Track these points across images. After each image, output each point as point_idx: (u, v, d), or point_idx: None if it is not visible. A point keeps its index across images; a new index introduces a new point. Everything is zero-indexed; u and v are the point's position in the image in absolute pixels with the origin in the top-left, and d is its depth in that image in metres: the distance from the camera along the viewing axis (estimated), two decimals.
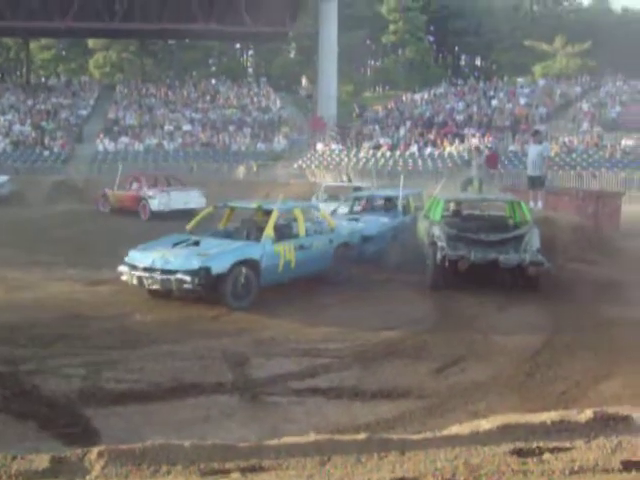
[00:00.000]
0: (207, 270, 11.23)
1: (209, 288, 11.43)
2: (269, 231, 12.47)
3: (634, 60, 53.53)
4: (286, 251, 12.54)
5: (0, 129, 47.63)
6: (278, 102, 56.10)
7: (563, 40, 68.03)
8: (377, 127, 48.28)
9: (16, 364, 8.43)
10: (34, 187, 32.95)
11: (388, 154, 42.38)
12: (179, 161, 43.77)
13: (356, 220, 16.23)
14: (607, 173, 34.33)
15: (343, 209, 18.35)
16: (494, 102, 49.03)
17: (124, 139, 47.33)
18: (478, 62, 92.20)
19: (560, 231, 16.24)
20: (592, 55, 65.44)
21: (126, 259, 12.16)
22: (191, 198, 25.51)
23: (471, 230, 14.21)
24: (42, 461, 3.96)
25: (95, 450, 4.04)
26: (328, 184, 26.05)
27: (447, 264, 12.84)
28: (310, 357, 9.00)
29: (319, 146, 46.03)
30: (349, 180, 30.05)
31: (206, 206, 18.48)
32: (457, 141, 42.30)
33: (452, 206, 16.16)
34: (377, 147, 44.02)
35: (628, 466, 3.98)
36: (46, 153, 45.04)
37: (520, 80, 54.75)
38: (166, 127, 49.47)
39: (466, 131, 44.00)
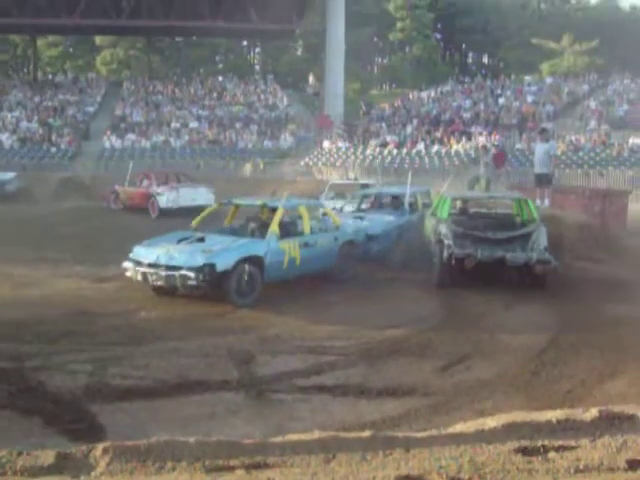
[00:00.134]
0: (212, 266, 11.22)
1: (213, 285, 11.42)
2: (274, 228, 12.46)
3: None
4: (291, 248, 12.51)
5: (7, 126, 47.71)
6: (285, 99, 56.11)
7: (571, 38, 67.85)
8: (384, 125, 48.24)
9: (22, 360, 8.44)
10: (41, 184, 33.01)
11: (395, 152, 42.35)
12: (186, 158, 43.79)
13: (361, 218, 16.20)
14: (614, 171, 34.22)
15: (349, 207, 18.31)
16: (501, 100, 48.93)
17: (131, 136, 47.37)
18: (485, 60, 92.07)
19: (567, 229, 16.22)
20: (600, 53, 65.31)
21: (131, 255, 12.17)
22: (199, 195, 25.48)
23: (478, 228, 14.18)
24: (47, 457, 3.97)
25: (100, 446, 4.05)
26: (334, 182, 26.03)
27: (454, 262, 12.81)
28: (316, 355, 8.99)
29: (326, 144, 46.01)
30: (355, 178, 30.03)
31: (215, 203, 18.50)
32: (464, 139, 42.25)
33: (459, 204, 16.12)
34: (384, 145, 44.00)
35: (633, 465, 3.98)
36: (53, 150, 45.11)
37: (527, 78, 54.55)
38: (173, 124, 49.51)
39: (473, 129, 43.93)
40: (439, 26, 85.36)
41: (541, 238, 13.29)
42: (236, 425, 6.67)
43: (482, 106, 48.36)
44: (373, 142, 44.83)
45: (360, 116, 54.08)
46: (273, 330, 10.20)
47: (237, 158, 44.16)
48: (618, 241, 17.40)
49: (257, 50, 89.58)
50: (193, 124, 49.88)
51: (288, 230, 13.16)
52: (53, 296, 12.34)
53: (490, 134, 41.85)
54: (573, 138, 39.85)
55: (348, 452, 4.10)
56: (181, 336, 9.78)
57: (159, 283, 11.76)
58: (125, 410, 7.04)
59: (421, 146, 42.64)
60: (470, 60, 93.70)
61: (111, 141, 46.50)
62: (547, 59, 69.23)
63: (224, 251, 11.70)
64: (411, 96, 55.59)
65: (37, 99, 53.08)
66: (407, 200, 17.11)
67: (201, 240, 12.41)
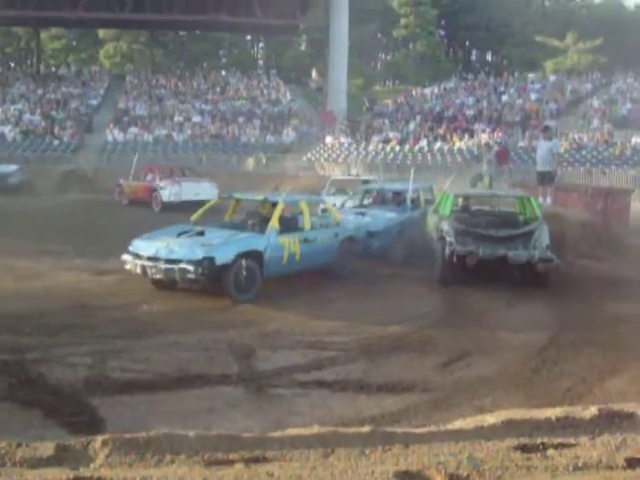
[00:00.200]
0: (211, 260, 11.19)
1: (212, 279, 11.41)
2: (274, 223, 12.44)
3: None
4: (291, 243, 12.49)
5: (10, 118, 47.72)
6: (288, 94, 56.11)
7: (574, 36, 67.81)
8: (387, 121, 48.24)
9: (22, 353, 8.45)
10: (44, 176, 33.01)
11: (397, 148, 42.35)
12: (188, 152, 43.82)
13: (363, 214, 16.17)
14: (617, 170, 34.16)
15: (351, 203, 18.30)
16: (504, 97, 48.87)
17: (133, 129, 47.39)
18: (489, 57, 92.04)
19: (569, 227, 16.20)
20: (603, 51, 65.23)
21: (130, 248, 12.15)
22: (202, 189, 25.42)
23: (480, 226, 14.16)
24: (47, 449, 3.98)
25: (99, 439, 4.06)
26: (335, 178, 25.98)
27: (455, 259, 12.80)
28: (316, 350, 9.00)
29: (328, 139, 46.03)
30: (357, 174, 30.02)
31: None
32: (467, 136, 42.22)
33: (461, 201, 16.10)
34: (386, 141, 44.00)
35: (632, 463, 3.98)
36: (56, 142, 45.14)
37: (531, 76, 54.50)
38: (176, 118, 49.52)
39: (476, 126, 43.90)
40: (443, 23, 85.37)
41: (543, 236, 13.27)
42: (236, 419, 6.67)
43: (485, 103, 48.32)
44: (376, 138, 44.82)
45: (363, 112, 54.09)
46: (274, 325, 10.20)
47: (240, 153, 44.19)
48: (620, 239, 17.39)
49: (260, 45, 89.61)
50: (196, 118, 49.89)
51: (288, 225, 13.14)
52: (54, 289, 12.35)
53: (493, 131, 41.84)
54: (576, 136, 39.81)
55: (347, 447, 4.10)
56: (182, 330, 9.78)
57: (158, 276, 11.74)
58: (125, 403, 7.05)
59: (424, 143, 42.64)
60: (474, 57, 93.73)
61: (114, 134, 46.52)
62: (551, 57, 69.18)
63: (223, 245, 11.69)
64: (414, 93, 55.58)
65: (40, 92, 53.10)
66: (409, 196, 17.08)
67: (201, 234, 12.38)
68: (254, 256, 11.82)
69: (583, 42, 67.02)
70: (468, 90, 52.28)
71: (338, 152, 43.50)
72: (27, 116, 48.46)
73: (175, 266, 11.33)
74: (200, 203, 16.75)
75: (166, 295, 11.97)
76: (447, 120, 45.92)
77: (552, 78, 53.79)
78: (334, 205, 16.36)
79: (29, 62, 76.85)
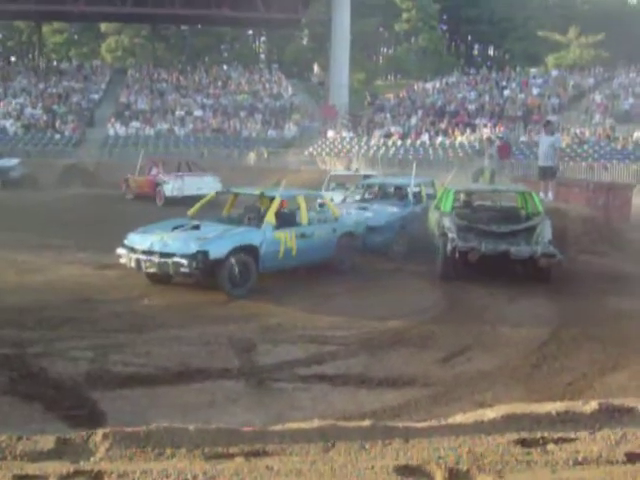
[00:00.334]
0: (205, 254, 11.14)
1: (207, 273, 11.37)
2: (270, 217, 12.40)
3: None
4: (287, 238, 12.43)
5: (12, 112, 47.71)
6: (290, 89, 56.04)
7: (577, 31, 67.65)
8: (388, 115, 48.21)
9: (24, 346, 8.46)
10: (45, 170, 33.06)
11: (399, 143, 42.33)
12: (190, 147, 43.80)
13: (364, 209, 16.17)
14: (619, 165, 34.13)
15: (353, 197, 18.28)
16: (506, 92, 48.81)
17: (135, 124, 47.39)
18: (491, 51, 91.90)
19: (570, 223, 16.19)
20: (606, 46, 65.10)
21: (125, 242, 12.11)
22: (205, 184, 25.34)
23: (482, 221, 14.14)
24: (47, 442, 3.99)
25: (100, 432, 4.06)
26: (335, 173, 25.94)
27: (457, 255, 12.76)
28: (317, 344, 9.00)
29: (330, 134, 46.00)
30: (356, 169, 30.02)
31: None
32: (468, 131, 42.19)
33: (463, 197, 16.06)
34: (388, 135, 43.97)
35: (632, 458, 3.98)
36: (57, 137, 45.15)
37: (533, 70, 54.35)
38: (177, 112, 49.51)
39: (478, 121, 43.86)
40: (445, 17, 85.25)
41: (546, 231, 13.24)
42: (236, 413, 6.68)
43: (487, 98, 48.26)
44: (377, 133, 44.80)
45: (365, 106, 54.04)
46: (275, 319, 10.21)
47: (241, 147, 44.19)
48: (622, 234, 17.39)
49: (262, 39, 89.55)
50: (197, 112, 49.87)
51: (285, 220, 13.09)
52: (56, 282, 12.37)
53: (495, 126, 41.79)
54: (578, 131, 39.77)
55: (347, 441, 4.11)
56: (183, 324, 9.80)
57: (152, 270, 11.71)
58: (126, 397, 7.06)
59: (425, 137, 42.61)
60: (476, 51, 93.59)
61: (115, 128, 46.52)
62: (553, 51, 69.03)
63: (218, 239, 11.64)
64: (416, 87, 55.50)
65: (42, 86, 53.06)
66: (411, 191, 17.06)
67: (196, 228, 12.32)
68: (249, 251, 11.78)
69: (585, 37, 66.85)
70: (470, 84, 52.21)
71: (340, 147, 43.49)
72: (29, 110, 48.46)
73: (169, 260, 11.29)
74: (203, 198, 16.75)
75: (167, 289, 11.99)
76: (449, 115, 45.88)
77: (554, 73, 53.68)
78: (330, 199, 16.28)
79: (31, 56, 76.77)
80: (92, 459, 3.85)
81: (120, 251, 12.06)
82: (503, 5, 78.88)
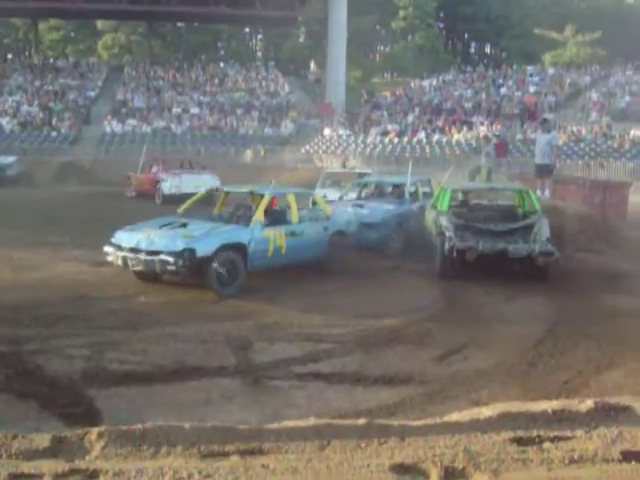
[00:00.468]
0: (191, 252, 11.04)
1: (194, 271, 11.27)
2: (259, 215, 12.30)
3: None
4: (276, 237, 12.32)
5: (8, 110, 47.66)
6: (286, 86, 56.03)
7: (573, 29, 67.67)
8: (385, 113, 48.20)
9: (20, 344, 8.45)
10: (42, 168, 33.06)
11: (396, 140, 42.33)
12: (186, 144, 43.78)
13: (361, 206, 16.17)
14: (615, 163, 34.16)
15: (350, 195, 18.27)
16: (503, 90, 48.85)
17: (132, 121, 47.36)
18: (488, 49, 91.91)
19: (567, 221, 16.19)
20: (602, 44, 65.12)
21: (112, 239, 12.01)
22: (203, 182, 25.20)
23: (479, 220, 14.10)
24: (42, 440, 3.98)
25: (95, 430, 4.06)
26: (329, 170, 25.88)
27: (455, 254, 12.71)
28: (313, 342, 9.00)
29: (327, 131, 46.00)
30: (352, 167, 30.02)
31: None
32: (465, 128, 42.20)
33: (460, 196, 16.03)
34: (385, 133, 43.97)
35: (628, 456, 3.98)
36: (54, 134, 45.10)
37: (530, 68, 54.40)
38: (174, 110, 49.48)
39: (474, 119, 43.87)
40: (441, 15, 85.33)
41: (543, 229, 13.19)
42: (232, 411, 6.68)
43: (484, 96, 48.29)
44: (374, 130, 44.79)
45: (361, 104, 54.02)
46: (271, 317, 10.20)
47: (238, 144, 44.18)
48: (618, 233, 17.40)
49: (259, 37, 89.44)
50: (194, 110, 49.85)
51: (275, 218, 13.01)
52: (52, 280, 12.36)
53: (491, 124, 41.81)
54: (574, 129, 39.80)
55: (343, 439, 4.11)
56: (178, 321, 9.79)
57: (139, 268, 11.61)
58: (122, 395, 7.06)
59: (422, 135, 42.62)
60: (472, 49, 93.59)
61: (112, 126, 46.49)
62: (549, 49, 69.07)
63: (205, 237, 11.54)
64: (413, 85, 55.53)
65: (38, 83, 52.99)
66: (408, 189, 17.05)
67: (184, 226, 12.21)
68: (237, 249, 11.68)
69: (582, 35, 66.87)
70: (467, 82, 52.26)
71: (336, 144, 43.48)
72: (25, 107, 48.39)
73: (155, 257, 11.19)
74: None
75: (162, 286, 11.97)
76: (445, 112, 45.89)
77: (551, 71, 53.74)
78: (324, 197, 16.25)
79: (27, 53, 76.74)
80: (87, 457, 3.85)
81: (107, 249, 11.96)
82: (500, 3, 78.85)
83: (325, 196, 17.27)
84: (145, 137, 44.58)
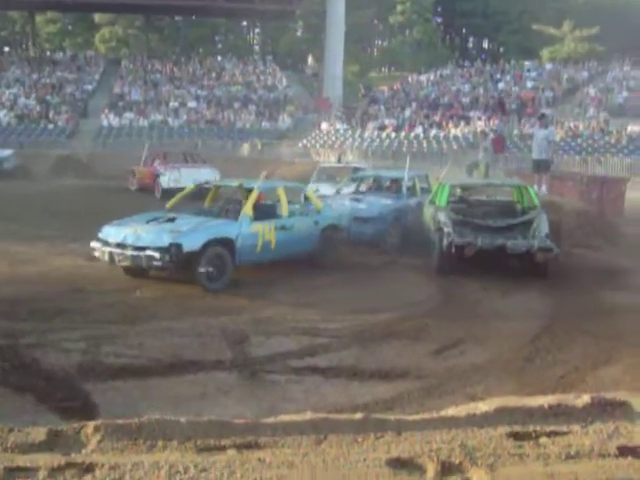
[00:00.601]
0: (178, 247, 10.90)
1: (181, 266, 11.15)
2: (247, 210, 12.15)
3: None
4: (265, 231, 12.18)
5: (5, 102, 47.62)
6: (284, 80, 56.00)
7: (571, 24, 67.68)
8: (382, 108, 48.20)
9: (16, 337, 8.44)
10: (39, 161, 33.02)
11: (393, 135, 42.33)
12: (184, 138, 43.77)
13: (358, 201, 16.15)
14: (612, 159, 34.20)
15: (347, 189, 18.24)
16: (500, 85, 48.86)
17: (129, 115, 47.35)
18: (485, 44, 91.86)
19: (564, 216, 16.19)
20: (600, 40, 65.08)
21: (99, 235, 11.86)
22: (202, 176, 25.13)
23: (478, 216, 14.05)
24: (39, 434, 3.97)
25: (91, 424, 4.05)
26: (324, 165, 25.78)
27: (454, 250, 12.63)
28: (309, 336, 8.99)
29: (324, 125, 46.00)
30: (347, 162, 29.99)
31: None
32: (462, 123, 42.20)
33: (458, 191, 15.97)
34: (382, 128, 43.97)
35: (624, 452, 3.98)
36: (51, 127, 45.10)
37: (527, 63, 54.41)
38: (171, 103, 49.46)
39: (472, 114, 43.87)
40: (439, 9, 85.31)
41: (542, 225, 13.11)
42: (228, 405, 6.67)
43: (481, 91, 48.30)
44: (371, 125, 44.78)
45: (359, 98, 54.05)
46: (267, 311, 10.19)
47: (235, 138, 44.20)
48: (615, 228, 17.39)
49: (257, 30, 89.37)
50: (191, 104, 49.82)
51: (265, 212, 12.83)
52: (49, 273, 12.35)
53: (489, 119, 41.81)
54: (572, 124, 39.83)
55: (339, 434, 4.10)
56: (175, 315, 9.78)
57: (125, 264, 11.52)
58: (118, 389, 7.05)
59: (419, 130, 42.64)
60: (470, 44, 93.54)
61: (109, 119, 46.47)
62: (547, 45, 69.06)
63: (192, 232, 11.39)
64: (410, 79, 55.54)
65: (35, 76, 52.94)
66: (405, 184, 17.02)
67: (171, 220, 12.04)
68: (225, 243, 11.56)
69: (580, 30, 66.88)
70: (464, 77, 52.28)
71: (334, 139, 43.46)
72: (22, 100, 48.35)
73: (142, 253, 11.06)
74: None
75: (158, 281, 11.92)
76: (443, 107, 45.93)
77: (548, 66, 53.77)
78: (316, 191, 16.20)
79: (24, 46, 76.53)
80: (83, 451, 3.84)
81: (94, 244, 11.82)
82: None
83: (317, 190, 17.22)
84: (142, 131, 44.61)
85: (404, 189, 16.89)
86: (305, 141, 43.51)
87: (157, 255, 10.91)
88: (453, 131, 41.47)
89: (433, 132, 41.92)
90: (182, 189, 23.65)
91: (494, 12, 78.63)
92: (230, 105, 49.90)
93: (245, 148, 41.99)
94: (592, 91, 45.59)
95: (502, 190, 16.95)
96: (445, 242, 12.68)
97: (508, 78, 50.20)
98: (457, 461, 3.84)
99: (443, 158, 34.12)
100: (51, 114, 46.54)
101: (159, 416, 4.19)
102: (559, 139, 35.05)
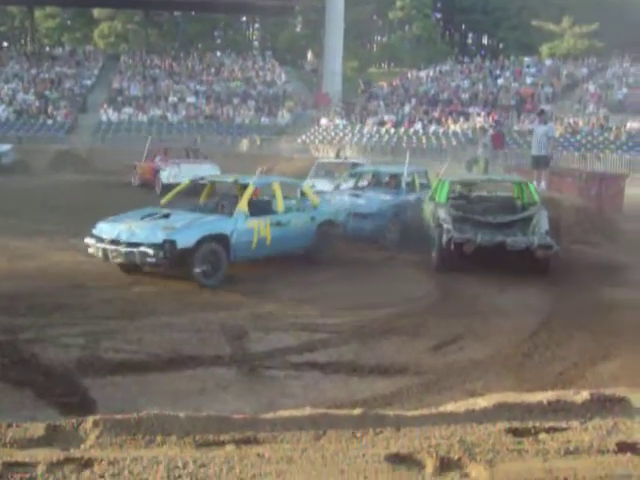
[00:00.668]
0: (172, 243, 10.83)
1: (175, 263, 11.08)
2: (242, 206, 12.07)
3: None
4: (261, 227, 12.11)
5: (3, 97, 47.57)
6: (283, 76, 55.95)
7: (571, 20, 67.62)
8: (382, 103, 48.18)
9: (15, 333, 8.43)
10: (37, 156, 33.03)
11: (392, 131, 42.31)
12: (183, 133, 43.75)
13: (357, 196, 16.14)
14: (612, 155, 34.20)
15: (347, 184, 18.21)
16: (500, 81, 48.83)
17: (128, 110, 47.31)
18: (485, 40, 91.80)
19: (563, 212, 16.18)
20: (600, 36, 65.04)
21: (94, 231, 11.81)
22: (203, 171, 25.06)
23: (478, 212, 13.98)
24: (37, 429, 3.97)
25: (90, 419, 4.05)
26: (321, 160, 25.72)
27: (453, 247, 12.55)
28: (309, 332, 8.99)
29: (323, 121, 45.97)
30: (345, 157, 29.98)
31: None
32: (462, 119, 42.19)
33: (458, 188, 15.92)
34: (381, 124, 43.96)
35: (623, 448, 3.98)
36: (49, 122, 45.06)
37: (527, 59, 54.37)
38: (170, 99, 49.42)
39: (471, 110, 43.86)
40: (439, 5, 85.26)
41: (542, 222, 13.03)
42: (227, 400, 6.67)
43: (480, 86, 48.27)
44: (370, 121, 44.76)
45: (358, 94, 53.99)
46: (266, 307, 10.19)
47: (234, 134, 44.19)
48: (614, 225, 17.38)
49: (256, 26, 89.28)
50: (190, 99, 49.78)
51: (260, 208, 12.77)
52: (48, 269, 12.34)
53: (488, 115, 41.79)
54: (571, 121, 39.81)
55: (338, 429, 4.10)
56: (174, 311, 9.78)
57: (119, 260, 11.43)
58: (117, 384, 7.04)
59: (419, 126, 42.63)
60: (469, 40, 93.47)
61: (108, 114, 46.43)
62: (547, 41, 68.99)
63: (186, 228, 11.32)
64: (409, 75, 55.52)
65: (34, 71, 52.88)
66: (404, 179, 17.00)
67: (166, 217, 11.96)
68: (220, 240, 11.50)
69: (579, 26, 66.81)
70: (464, 73, 52.25)
71: (333, 134, 43.44)
72: (21, 95, 48.30)
73: (135, 249, 11.00)
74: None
75: (159, 276, 11.91)
76: (442, 103, 45.92)
77: (548, 62, 53.74)
78: (312, 187, 16.16)
79: (23, 41, 76.54)
80: (82, 446, 3.84)
81: (88, 241, 11.75)
82: None
83: (314, 186, 17.19)
84: (141, 126, 44.58)
85: (403, 185, 16.87)
86: (304, 137, 43.48)
87: (151, 252, 10.87)
88: (452, 127, 41.45)
89: (432, 128, 41.91)
90: None
91: (493, 8, 78.56)
92: (229, 101, 49.87)
93: (244, 144, 41.97)
94: (591, 87, 45.56)
95: (502, 186, 16.91)
96: (444, 239, 12.63)
97: (507, 74, 50.16)
98: (456, 457, 3.84)
99: (442, 154, 34.13)
100: (50, 109, 46.50)
101: (158, 411, 4.19)
102: (558, 135, 35.04)
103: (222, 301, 10.50)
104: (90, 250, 11.78)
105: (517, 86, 47.10)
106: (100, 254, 11.55)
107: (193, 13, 72.11)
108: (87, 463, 3.63)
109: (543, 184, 19.12)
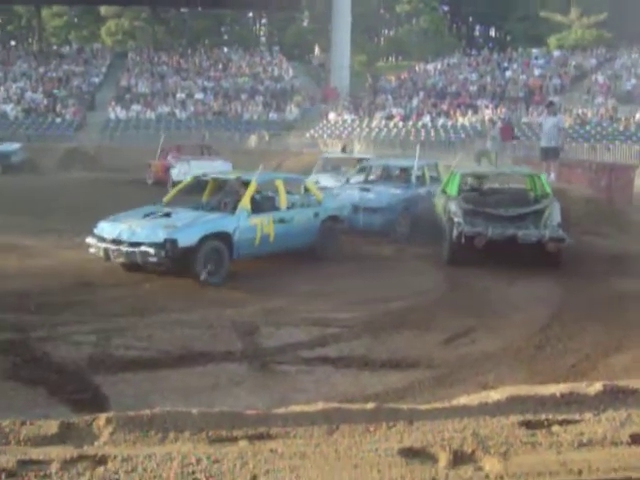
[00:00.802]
0: (173, 242, 10.75)
1: (177, 262, 11.00)
2: (245, 203, 12.00)
3: None
4: (264, 224, 12.03)
5: (12, 96, 47.66)
6: (291, 71, 55.85)
7: (578, 11, 67.25)
8: (390, 97, 48.10)
9: (27, 331, 8.47)
10: (46, 155, 33.10)
11: (400, 124, 42.24)
12: (191, 130, 43.72)
13: (367, 190, 16.11)
14: (621, 146, 34.03)
15: (357, 178, 18.17)
16: (508, 73, 48.68)
17: (136, 107, 47.34)
18: (492, 32, 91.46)
19: (573, 204, 16.13)
20: (608, 27, 64.71)
21: (95, 230, 11.71)
22: (214, 168, 24.98)
23: (489, 205, 13.86)
24: (51, 427, 3.97)
25: (103, 416, 4.05)
26: (327, 155, 25.65)
27: (464, 240, 12.48)
28: (320, 327, 8.99)
29: (331, 116, 45.92)
30: (350, 151, 29.96)
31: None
32: (470, 112, 42.09)
33: (469, 180, 15.84)
34: (389, 117, 43.89)
35: (637, 439, 3.97)
36: (58, 120, 45.13)
37: (535, 51, 54.13)
38: (178, 95, 49.42)
39: (479, 102, 43.76)
40: None
41: (554, 214, 12.93)
42: (240, 396, 6.68)
43: (489, 79, 48.15)
44: (379, 114, 44.70)
45: (366, 88, 53.89)
46: (277, 302, 10.19)
47: (242, 130, 44.15)
48: (624, 216, 17.32)
49: (263, 21, 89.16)
50: (198, 95, 49.78)
51: (263, 205, 12.72)
52: (58, 267, 12.33)
53: (496, 107, 41.69)
54: (580, 112, 39.67)
55: (351, 424, 4.10)
56: (184, 307, 9.79)
57: (120, 260, 11.35)
58: (128, 381, 7.06)
59: (427, 119, 42.54)
60: (477, 33, 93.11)
61: (116, 112, 46.47)
62: (555, 32, 68.62)
63: (187, 227, 11.27)
64: (417, 68, 55.38)
65: (42, 70, 52.94)
66: (414, 173, 16.96)
67: (167, 215, 11.90)
68: (222, 238, 11.42)
69: (587, 17, 66.44)
70: (471, 66, 52.08)
71: (341, 129, 43.40)
72: (29, 94, 48.40)
73: (136, 249, 10.93)
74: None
75: (165, 273, 11.87)
76: (450, 96, 45.81)
77: (556, 53, 53.52)
78: (316, 183, 16.12)
79: (30, 40, 76.60)
80: (96, 443, 3.84)
81: (90, 240, 11.66)
82: None
83: (318, 182, 17.16)
84: (150, 123, 44.63)
85: (413, 178, 16.83)
86: (312, 131, 43.45)
87: (152, 251, 10.80)
88: (461, 120, 41.35)
89: (441, 121, 41.81)
90: None
91: (500, 0, 78.21)
92: (237, 96, 49.85)
93: (253, 139, 41.95)
94: (600, 78, 45.38)
95: (514, 178, 16.82)
96: (455, 232, 12.57)
97: (515, 66, 50.00)
98: (469, 450, 3.83)
99: (451, 147, 34.06)
100: (58, 107, 46.57)
101: (170, 408, 4.19)
102: (567, 126, 34.91)
103: (232, 297, 10.50)
104: (92, 250, 11.67)
105: (525, 78, 46.94)
106: (101, 254, 11.48)
107: (200, 9, 72.10)
108: (101, 460, 3.64)
109: (553, 175, 19.07)
